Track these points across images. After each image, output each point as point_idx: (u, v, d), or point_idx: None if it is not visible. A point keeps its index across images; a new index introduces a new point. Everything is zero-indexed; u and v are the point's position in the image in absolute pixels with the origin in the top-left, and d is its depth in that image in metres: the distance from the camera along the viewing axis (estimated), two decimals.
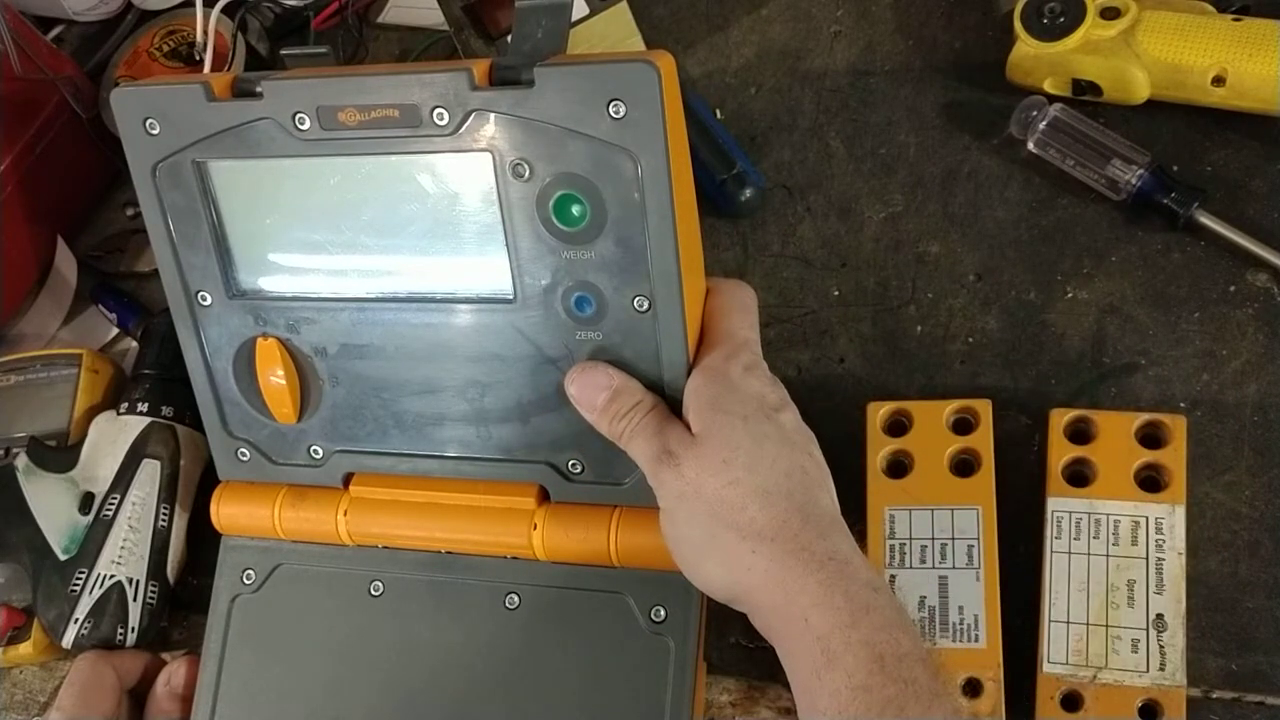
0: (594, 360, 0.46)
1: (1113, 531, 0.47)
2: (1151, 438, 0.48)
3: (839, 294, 0.57)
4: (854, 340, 0.56)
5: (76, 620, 0.55)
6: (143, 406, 0.59)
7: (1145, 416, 0.48)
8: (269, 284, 0.50)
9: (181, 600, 0.59)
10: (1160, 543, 0.46)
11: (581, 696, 0.48)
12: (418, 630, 0.50)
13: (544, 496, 0.49)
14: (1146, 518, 0.47)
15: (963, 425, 0.50)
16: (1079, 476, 0.48)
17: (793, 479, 0.42)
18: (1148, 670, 0.45)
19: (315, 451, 0.52)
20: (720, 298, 0.47)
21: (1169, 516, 0.47)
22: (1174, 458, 0.47)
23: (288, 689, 0.52)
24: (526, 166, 0.44)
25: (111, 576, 0.56)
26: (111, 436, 0.58)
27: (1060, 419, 0.49)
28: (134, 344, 0.66)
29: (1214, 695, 0.47)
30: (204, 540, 0.58)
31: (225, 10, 0.71)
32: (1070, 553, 0.47)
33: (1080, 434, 0.49)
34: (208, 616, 0.53)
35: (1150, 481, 0.48)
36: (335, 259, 0.49)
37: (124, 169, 0.49)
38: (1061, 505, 0.48)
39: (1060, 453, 0.48)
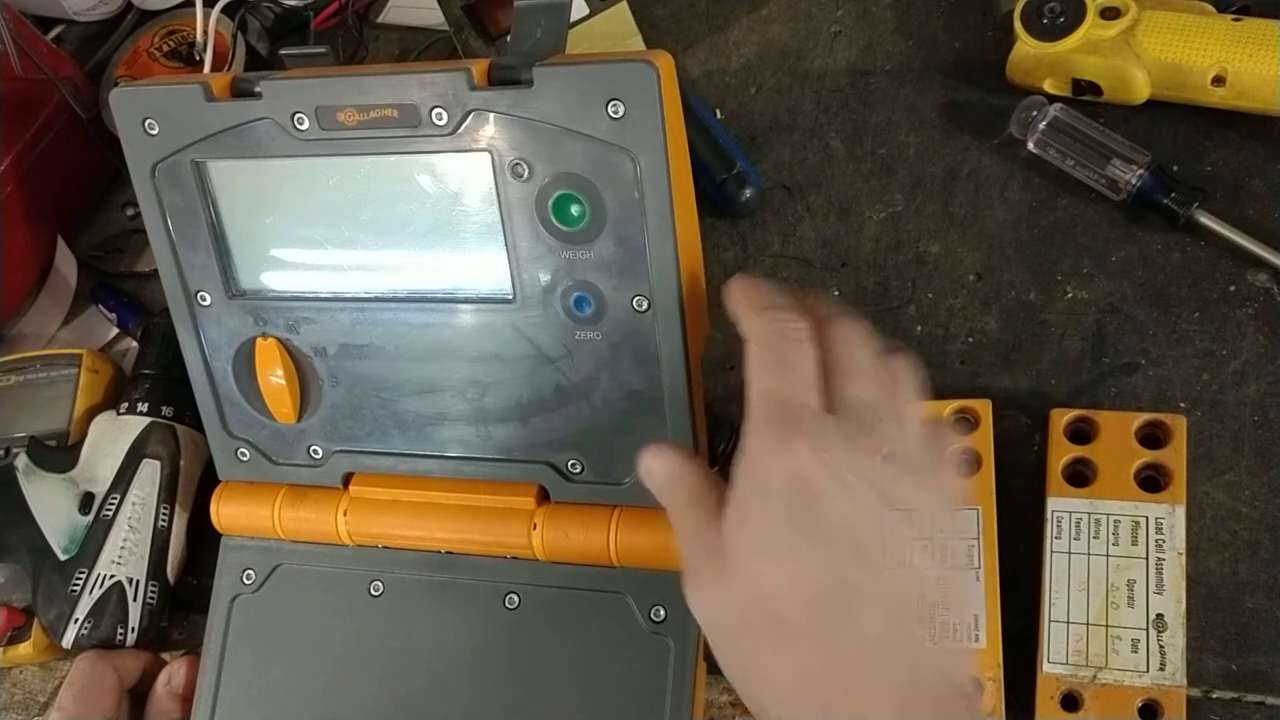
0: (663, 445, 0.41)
1: (1113, 531, 0.47)
2: (1152, 438, 0.48)
3: (839, 294, 0.57)
4: None
5: (76, 620, 0.55)
6: (143, 406, 0.59)
7: (1145, 416, 0.48)
8: (268, 284, 0.50)
9: (181, 600, 0.59)
10: (1160, 543, 0.46)
11: (581, 696, 0.48)
12: (418, 630, 0.50)
13: (544, 496, 0.49)
14: (1146, 518, 0.47)
15: (963, 425, 0.50)
16: (1079, 476, 0.48)
17: (823, 614, 0.34)
18: (1148, 670, 0.45)
19: (315, 451, 0.52)
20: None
21: (1169, 516, 0.47)
22: (1174, 458, 0.47)
23: (287, 689, 0.52)
24: (525, 166, 0.44)
25: (111, 576, 0.56)
26: (111, 436, 0.58)
27: (1060, 419, 0.49)
28: (134, 344, 0.66)
29: (1214, 695, 0.47)
30: (204, 540, 0.58)
31: (225, 10, 0.71)
32: (1070, 552, 0.47)
33: (1080, 434, 0.49)
34: (208, 616, 0.53)
35: (1150, 481, 0.48)
36: (335, 259, 0.49)
37: (124, 169, 0.49)
38: (1061, 505, 0.48)
39: (1060, 453, 0.48)
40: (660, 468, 0.41)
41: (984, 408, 0.50)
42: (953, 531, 0.48)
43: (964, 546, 0.48)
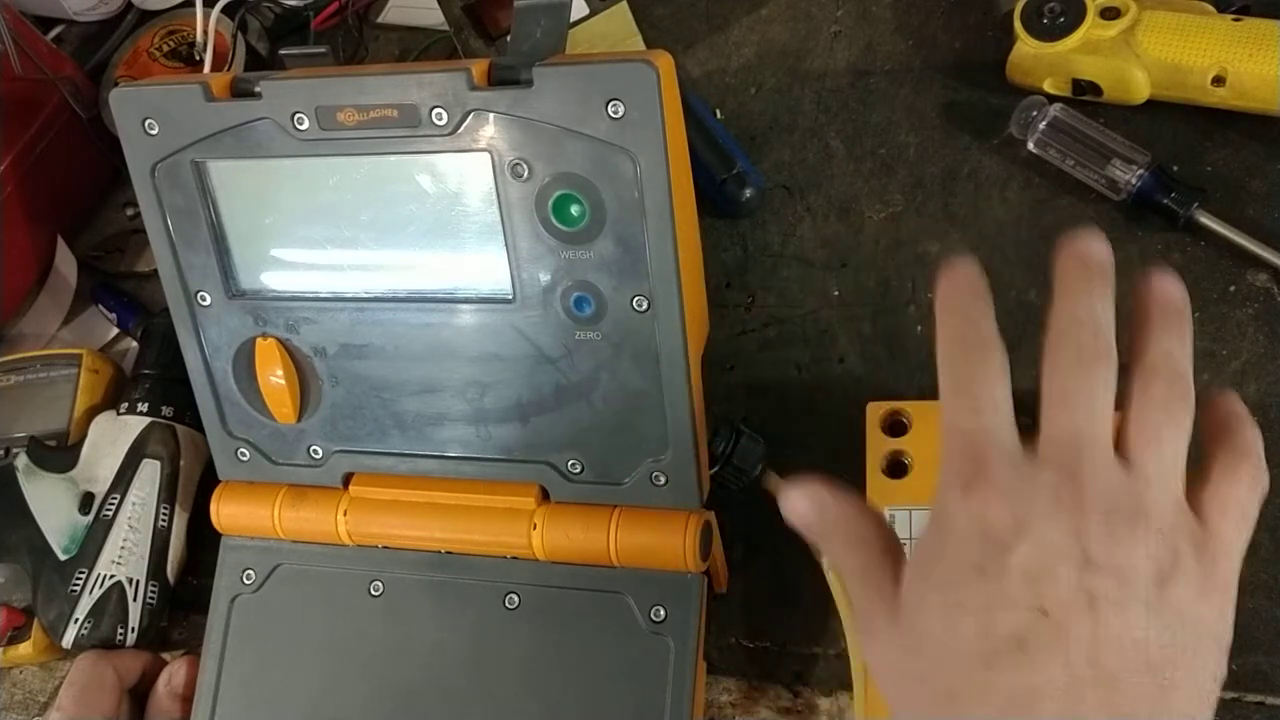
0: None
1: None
2: None
3: (839, 294, 0.57)
4: (854, 340, 0.56)
5: (76, 620, 0.55)
6: (143, 406, 0.59)
7: None
8: (268, 284, 0.50)
9: (181, 600, 0.59)
10: None
11: (581, 696, 0.48)
12: (417, 630, 0.50)
13: (544, 496, 0.49)
14: None
15: None
16: None
17: (994, 671, 0.31)
18: None
19: (315, 451, 0.52)
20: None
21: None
22: None
23: (287, 689, 0.52)
24: (525, 166, 0.44)
25: (111, 576, 0.56)
26: (111, 436, 0.58)
27: None
28: (134, 344, 0.66)
29: None
30: (204, 540, 0.58)
31: (225, 10, 0.71)
32: None
33: None
34: (208, 616, 0.53)
35: None
36: (335, 259, 0.49)
37: (124, 169, 0.49)
38: None
39: None
40: (809, 508, 0.38)
41: None
42: None
43: None
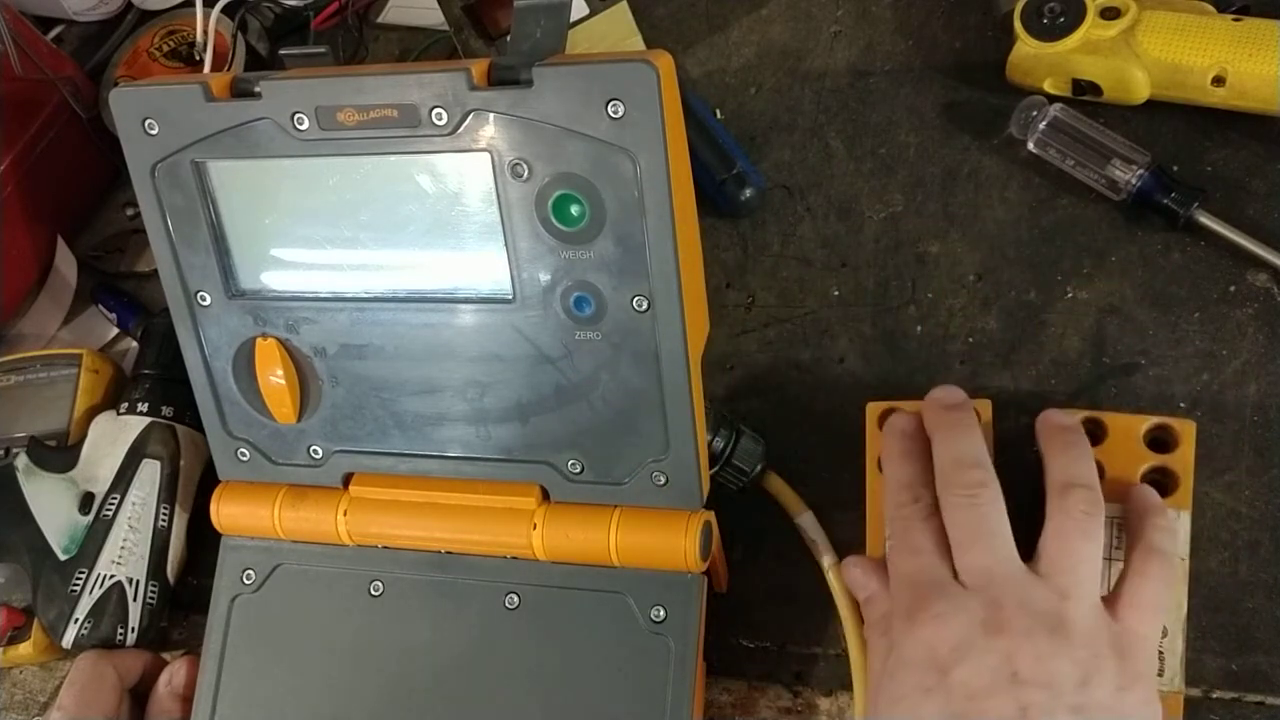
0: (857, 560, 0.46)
1: (1117, 534, 0.47)
2: (1159, 441, 0.48)
3: (839, 294, 0.57)
4: (854, 340, 0.56)
5: (76, 620, 0.55)
6: (143, 406, 0.59)
7: (1154, 420, 0.48)
8: (268, 284, 0.50)
9: (181, 600, 0.59)
10: None
11: (581, 696, 0.48)
12: (418, 630, 0.50)
13: (544, 496, 0.49)
14: None
15: None
16: None
17: None
18: None
19: (315, 451, 0.52)
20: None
21: (1174, 522, 0.46)
22: (1182, 463, 0.47)
23: (288, 689, 0.52)
24: (525, 166, 0.44)
25: (111, 576, 0.56)
26: (111, 436, 0.58)
27: None
28: (134, 344, 0.67)
29: (1214, 695, 0.47)
30: (204, 540, 0.58)
31: (225, 10, 0.71)
32: None
33: (1088, 435, 0.49)
34: (208, 616, 0.53)
35: (1156, 485, 0.47)
36: (335, 259, 0.49)
37: (124, 169, 0.49)
38: None
39: None
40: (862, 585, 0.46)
41: (984, 408, 0.49)
42: None
43: None
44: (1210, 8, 0.53)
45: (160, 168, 0.48)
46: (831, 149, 0.60)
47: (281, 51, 0.50)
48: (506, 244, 0.45)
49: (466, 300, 0.47)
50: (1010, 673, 0.37)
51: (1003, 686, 0.37)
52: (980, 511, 0.41)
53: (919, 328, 0.55)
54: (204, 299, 0.51)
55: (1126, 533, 0.44)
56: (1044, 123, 0.55)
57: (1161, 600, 0.41)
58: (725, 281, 0.59)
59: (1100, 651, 0.38)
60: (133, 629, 0.56)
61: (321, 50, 0.50)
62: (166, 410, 0.59)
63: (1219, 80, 0.51)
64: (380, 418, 0.50)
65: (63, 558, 0.56)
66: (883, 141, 0.59)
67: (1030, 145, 0.55)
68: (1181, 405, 0.51)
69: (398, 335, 0.49)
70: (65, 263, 0.70)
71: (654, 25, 0.66)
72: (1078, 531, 0.41)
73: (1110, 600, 0.41)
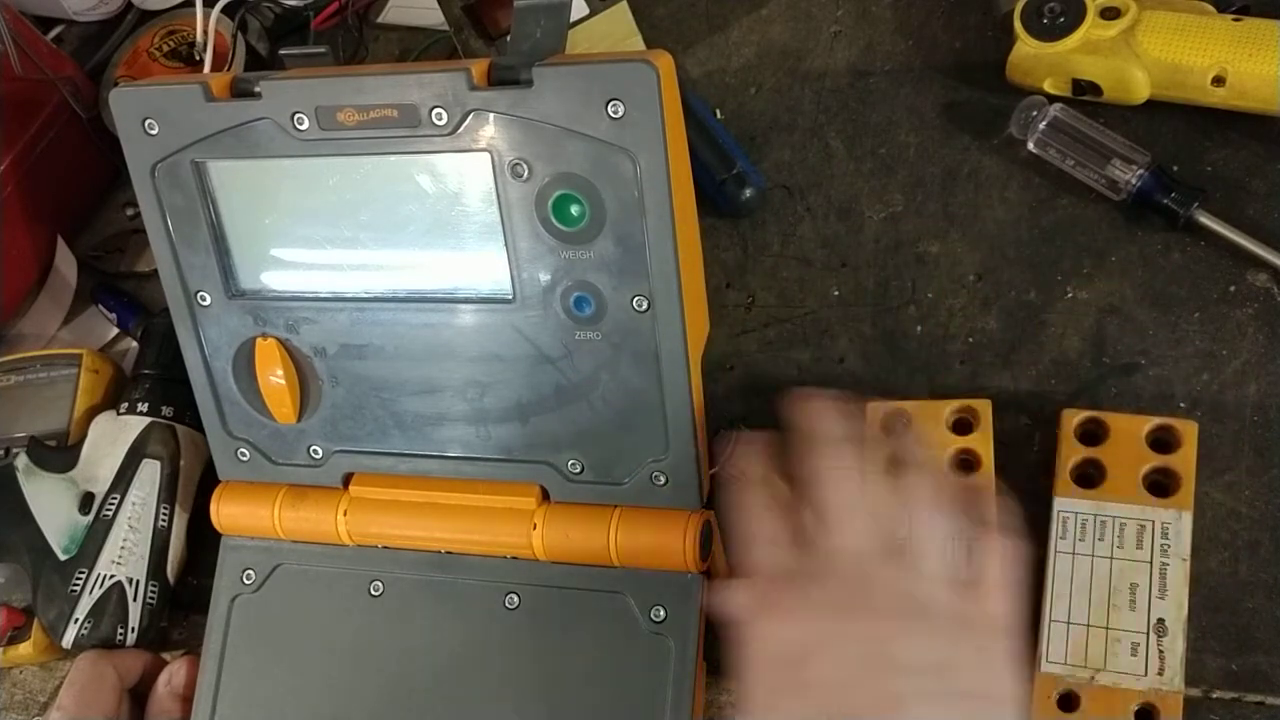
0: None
1: (1118, 534, 0.47)
2: (1161, 441, 0.48)
3: (839, 294, 0.57)
4: (854, 340, 0.56)
5: (76, 620, 0.55)
6: (143, 406, 0.59)
7: (1157, 420, 0.48)
8: (268, 284, 0.50)
9: (181, 600, 0.59)
10: (1165, 547, 0.46)
11: (581, 696, 0.48)
12: (418, 630, 0.50)
13: (544, 496, 0.49)
14: (1153, 522, 0.47)
15: (963, 425, 0.50)
16: (1086, 478, 0.48)
17: None
18: (1146, 674, 0.45)
19: (315, 451, 0.52)
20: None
21: (1175, 522, 0.46)
22: (1184, 463, 0.47)
23: (288, 689, 0.52)
24: (525, 166, 0.44)
25: (111, 576, 0.56)
26: (111, 436, 0.58)
27: (1072, 419, 0.48)
28: (134, 344, 0.66)
29: (1214, 695, 0.47)
30: (204, 540, 0.58)
31: (225, 10, 0.71)
32: (1074, 554, 0.47)
33: (1090, 435, 0.49)
34: (208, 616, 0.53)
35: (1158, 486, 0.47)
36: (335, 259, 0.49)
37: (124, 169, 0.49)
38: (1068, 506, 0.48)
39: (1070, 453, 0.48)
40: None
41: (984, 408, 0.49)
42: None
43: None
44: (1210, 8, 0.53)
45: (160, 168, 0.48)
46: (831, 149, 0.60)
47: (281, 51, 0.50)
48: (506, 244, 0.45)
49: (466, 300, 0.47)
50: (874, 659, 0.36)
51: (868, 674, 0.36)
52: (847, 495, 0.40)
53: (919, 328, 0.55)
54: (204, 299, 0.51)
55: (975, 520, 0.42)
56: (1044, 123, 0.55)
57: (1014, 573, 0.41)
58: (725, 281, 0.59)
59: (966, 634, 0.38)
60: (133, 629, 0.56)
61: (321, 50, 0.50)
62: (166, 410, 0.59)
63: (1219, 80, 0.51)
64: (380, 418, 0.50)
65: (63, 558, 0.56)
66: (883, 141, 0.59)
67: (1030, 145, 0.55)
68: (1181, 405, 0.51)
69: (398, 335, 0.49)
70: (65, 263, 0.70)
71: (654, 25, 0.66)
72: (939, 510, 0.40)
73: (965, 582, 0.40)
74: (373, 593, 0.51)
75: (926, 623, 0.37)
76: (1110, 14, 0.53)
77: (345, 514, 0.51)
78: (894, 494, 0.40)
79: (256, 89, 0.46)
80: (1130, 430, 0.48)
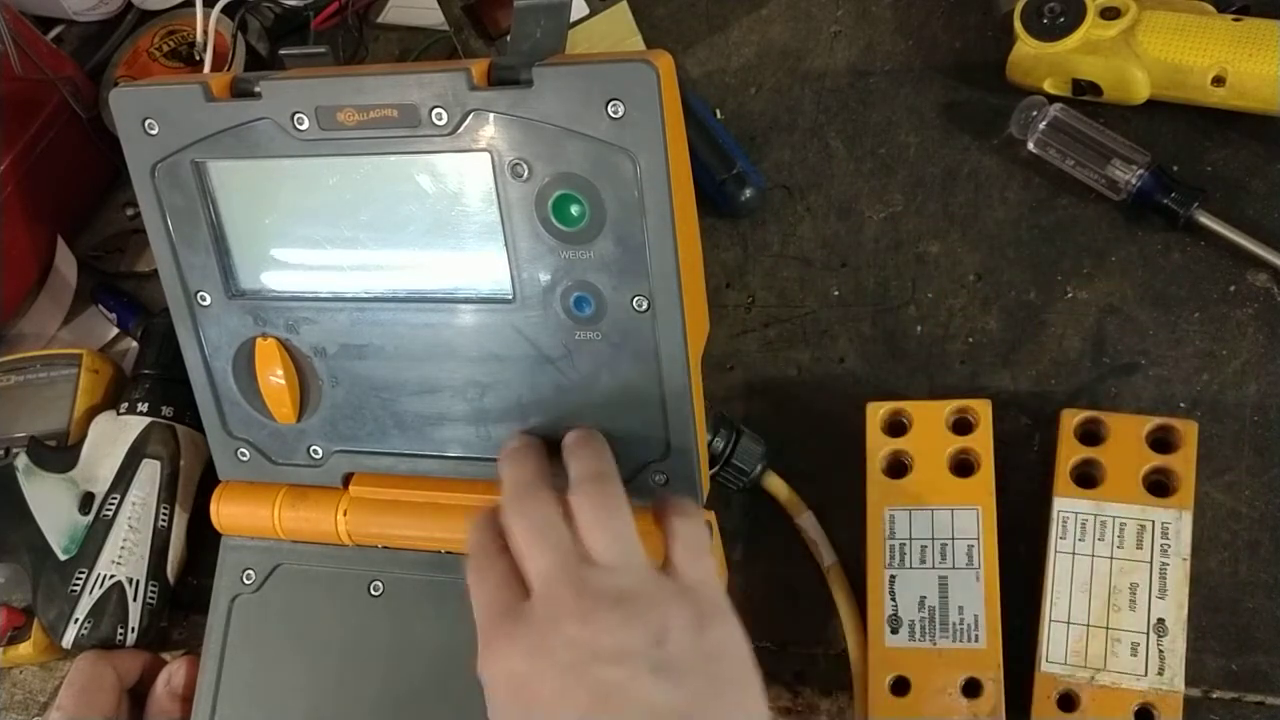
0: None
1: (1118, 534, 0.47)
2: (1161, 441, 0.48)
3: (839, 294, 0.57)
4: (854, 340, 0.56)
5: (76, 620, 0.55)
6: (143, 406, 0.59)
7: (1157, 420, 0.48)
8: (268, 284, 0.50)
9: (181, 600, 0.59)
10: (1165, 547, 0.46)
11: None
12: (418, 630, 0.50)
13: None
14: (1153, 521, 0.47)
15: (962, 425, 0.50)
16: (1086, 478, 0.48)
17: None
18: (1146, 674, 0.45)
19: (315, 451, 0.52)
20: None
21: (1175, 522, 0.46)
22: (1184, 463, 0.47)
23: (288, 689, 0.52)
24: (525, 166, 0.44)
25: (111, 576, 0.56)
26: (111, 436, 0.58)
27: (1071, 420, 0.49)
28: (134, 344, 0.67)
29: (1214, 695, 0.47)
30: (204, 540, 0.58)
31: (225, 10, 0.71)
32: (1074, 554, 0.47)
33: (1090, 435, 0.49)
34: (208, 616, 0.53)
35: (1158, 485, 0.47)
36: (335, 259, 0.49)
37: (124, 169, 0.49)
38: (1068, 506, 0.48)
39: (1070, 453, 0.48)
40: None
41: (984, 408, 0.50)
42: (953, 532, 0.48)
43: (964, 546, 0.48)
44: (1210, 8, 0.53)
45: (160, 168, 0.48)
46: (831, 149, 0.60)
47: (281, 51, 0.50)
48: (506, 244, 0.45)
49: (466, 300, 0.47)
50: (582, 659, 0.37)
51: (576, 679, 0.37)
52: (529, 519, 0.42)
53: (919, 328, 0.55)
54: (204, 299, 0.51)
55: (656, 516, 0.45)
56: (1044, 123, 0.55)
57: (701, 545, 0.43)
58: (725, 281, 0.59)
59: (667, 606, 0.39)
60: (133, 629, 0.56)
61: (321, 50, 0.50)
62: (166, 410, 0.59)
63: (1219, 80, 0.51)
64: (380, 418, 0.50)
65: (63, 558, 0.56)
66: (883, 141, 0.59)
67: (1030, 145, 0.55)
68: (1181, 405, 0.51)
69: (398, 335, 0.49)
70: (65, 263, 0.70)
71: (654, 25, 0.66)
72: (603, 510, 0.42)
73: (662, 565, 0.42)
74: (373, 593, 0.51)
75: (630, 608, 0.38)
76: (1110, 14, 0.53)
77: (345, 514, 0.51)
78: (567, 512, 0.42)
79: (256, 89, 0.46)
80: (1130, 430, 0.48)
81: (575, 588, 0.39)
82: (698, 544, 0.43)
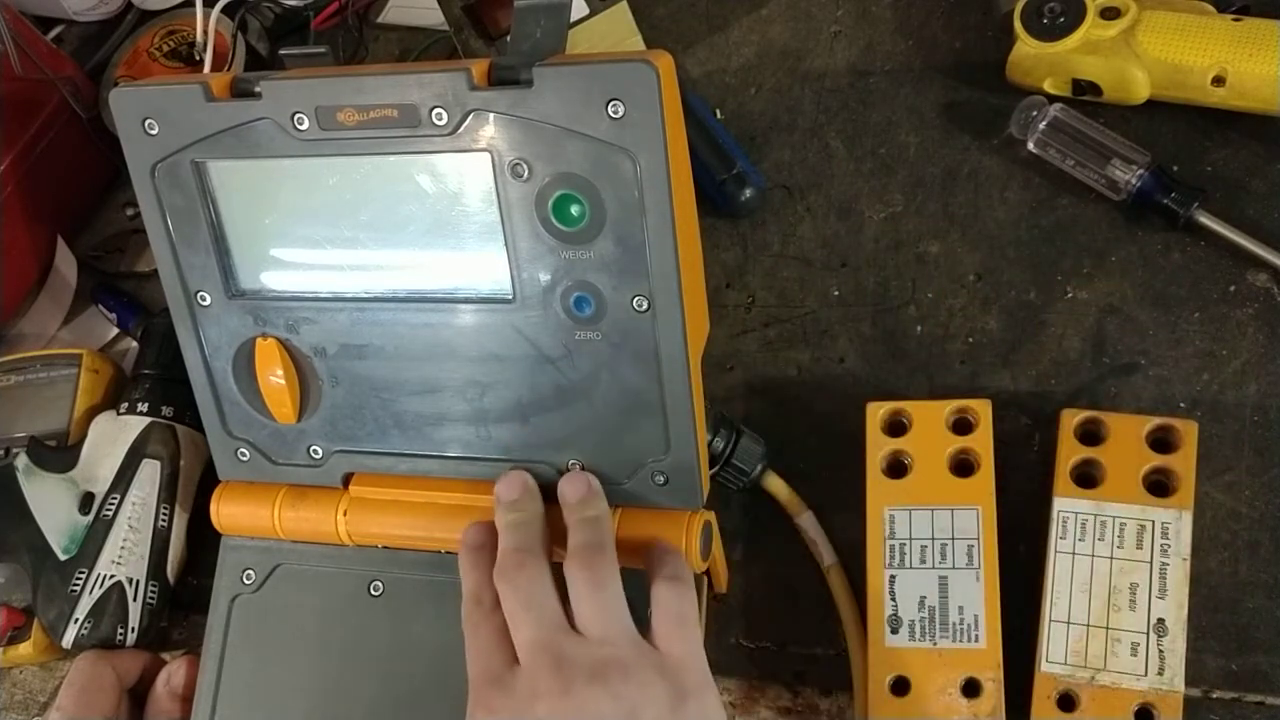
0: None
1: (1118, 534, 0.47)
2: (1161, 441, 0.48)
3: (839, 294, 0.57)
4: (854, 340, 0.56)
5: (76, 620, 0.55)
6: (143, 406, 0.59)
7: (1157, 421, 0.48)
8: (268, 284, 0.50)
9: (181, 600, 0.59)
10: (1165, 547, 0.46)
11: None
12: (418, 630, 0.50)
13: (544, 497, 0.49)
14: (1153, 521, 0.47)
15: (962, 425, 0.50)
16: (1086, 478, 0.48)
17: None
18: (1146, 674, 0.45)
19: (315, 451, 0.52)
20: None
21: (1175, 522, 0.46)
22: (1184, 463, 0.47)
23: (288, 689, 0.52)
24: (525, 166, 0.44)
25: (111, 576, 0.56)
26: (111, 436, 0.58)
27: (1071, 419, 0.48)
28: (134, 344, 0.67)
29: (1214, 695, 0.47)
30: (204, 540, 0.58)
31: (225, 10, 0.71)
32: (1074, 554, 0.47)
33: (1090, 435, 0.49)
34: (208, 616, 0.53)
35: (1158, 485, 0.47)
36: (334, 259, 0.49)
37: (124, 169, 0.49)
38: (1068, 506, 0.48)
39: (1070, 453, 0.48)
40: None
41: (984, 408, 0.50)
42: (953, 531, 0.48)
43: (964, 546, 0.48)
44: (1210, 8, 0.53)
45: (160, 168, 0.48)
46: (831, 149, 0.60)
47: (281, 51, 0.50)
48: (506, 244, 0.45)
49: (466, 300, 0.47)
50: None
51: None
52: (521, 591, 0.43)
53: (919, 328, 0.55)
54: (204, 299, 0.51)
55: (647, 576, 0.45)
56: (1044, 123, 0.55)
57: (688, 618, 0.43)
58: (725, 281, 0.59)
59: (646, 679, 0.40)
60: (133, 629, 0.56)
61: (321, 50, 0.50)
62: (166, 410, 0.59)
63: (1219, 80, 0.51)
64: (380, 418, 0.50)
65: (63, 558, 0.56)
66: (883, 141, 0.59)
67: (1030, 145, 0.55)
68: (1181, 405, 0.51)
69: (398, 335, 0.49)
70: (65, 263, 0.70)
71: (654, 25, 0.66)
72: (594, 584, 0.42)
73: (647, 634, 0.42)
74: (372, 593, 0.51)
75: (609, 683, 0.39)
76: (1110, 14, 0.53)
77: (345, 514, 0.51)
78: (558, 583, 0.43)
79: (256, 89, 0.46)
80: (1130, 430, 0.48)
81: (555, 662, 0.40)
82: (684, 616, 0.43)
